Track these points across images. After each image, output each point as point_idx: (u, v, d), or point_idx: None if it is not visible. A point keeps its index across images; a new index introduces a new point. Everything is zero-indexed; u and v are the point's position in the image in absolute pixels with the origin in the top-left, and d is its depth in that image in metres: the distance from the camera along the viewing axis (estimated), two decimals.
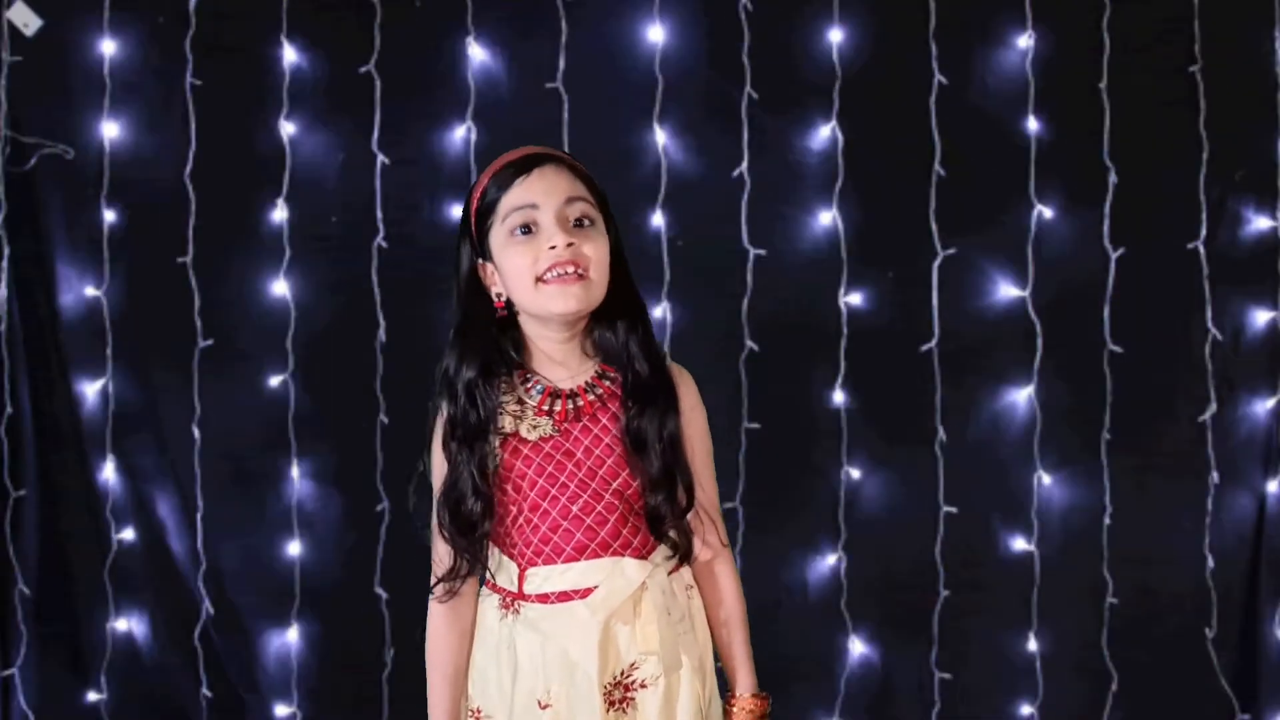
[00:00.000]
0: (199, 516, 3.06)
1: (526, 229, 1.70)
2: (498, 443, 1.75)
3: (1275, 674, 2.98)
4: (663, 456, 1.74)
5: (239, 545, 3.08)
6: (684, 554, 1.78)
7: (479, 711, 1.80)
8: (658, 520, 1.75)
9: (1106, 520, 2.99)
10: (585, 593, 1.72)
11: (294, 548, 3.06)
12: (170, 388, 3.06)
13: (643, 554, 1.75)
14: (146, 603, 3.10)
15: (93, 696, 3.10)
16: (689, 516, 1.78)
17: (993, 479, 3.02)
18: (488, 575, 1.81)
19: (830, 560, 3.03)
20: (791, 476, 3.03)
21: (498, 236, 1.73)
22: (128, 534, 3.09)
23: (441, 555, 1.80)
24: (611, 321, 1.77)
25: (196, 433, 3.05)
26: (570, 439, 1.74)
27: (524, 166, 1.71)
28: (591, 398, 1.76)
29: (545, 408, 1.75)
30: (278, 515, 3.06)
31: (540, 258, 1.69)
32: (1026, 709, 3.02)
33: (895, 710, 3.06)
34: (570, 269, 1.68)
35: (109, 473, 3.08)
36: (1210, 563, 2.98)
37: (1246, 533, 3.00)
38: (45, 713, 3.09)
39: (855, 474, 3.02)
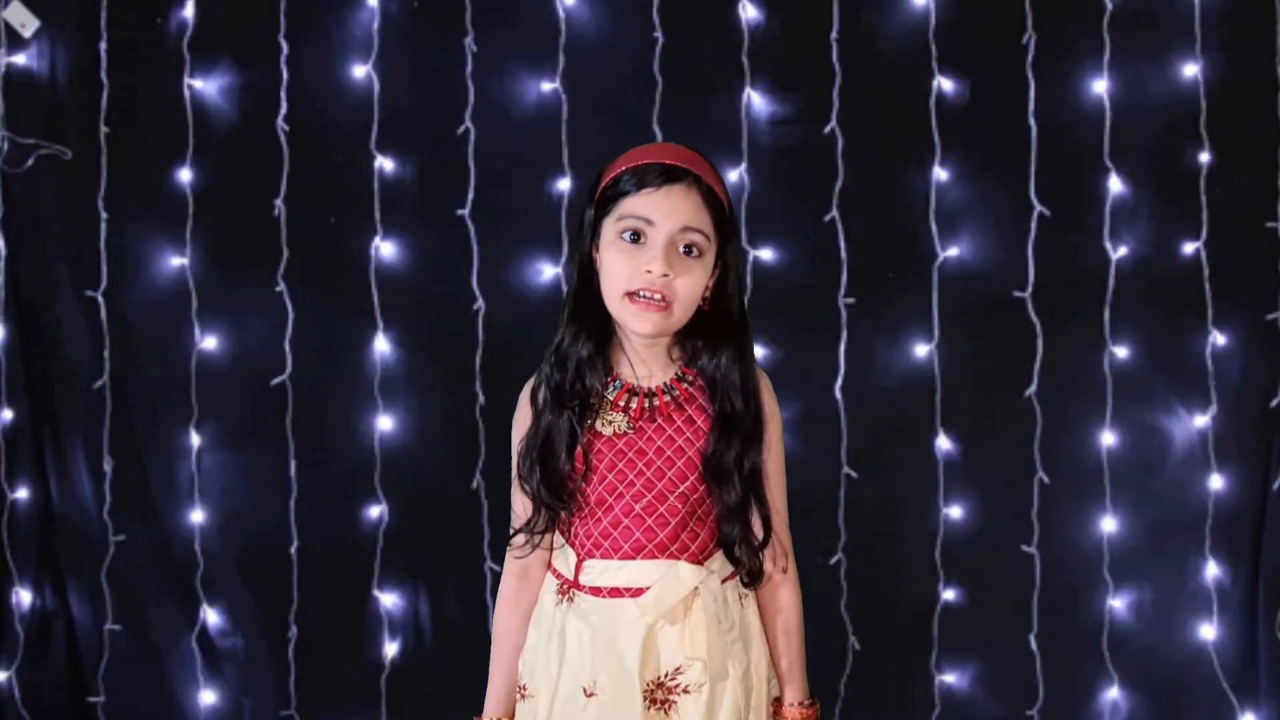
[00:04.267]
0: (199, 516, 3.06)
1: (636, 237, 1.71)
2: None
3: (1275, 674, 2.98)
4: (742, 488, 1.77)
5: (239, 545, 3.08)
6: (752, 581, 1.81)
7: (525, 689, 1.82)
8: (729, 547, 1.78)
9: (1106, 520, 2.99)
10: (637, 592, 1.74)
11: (294, 548, 3.06)
12: (170, 388, 3.06)
13: (699, 559, 1.77)
14: (147, 602, 3.10)
15: (92, 697, 3.10)
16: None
17: (993, 479, 3.02)
18: (549, 559, 1.83)
19: (830, 560, 3.03)
20: (792, 477, 3.01)
21: (609, 230, 1.74)
22: (127, 534, 3.09)
23: (518, 511, 1.82)
24: (715, 348, 1.78)
25: (196, 433, 3.05)
26: (643, 437, 1.76)
27: (661, 176, 1.71)
28: (668, 399, 1.78)
29: (622, 404, 1.77)
30: (278, 515, 3.06)
31: (636, 274, 1.70)
32: (1026, 709, 3.02)
33: (895, 710, 3.06)
34: (657, 296, 1.70)
35: (108, 472, 3.08)
36: (1210, 563, 2.98)
37: (1246, 533, 3.00)
38: (44, 713, 3.09)
39: (856, 475, 3.02)
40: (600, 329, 1.78)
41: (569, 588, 1.79)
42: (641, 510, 1.75)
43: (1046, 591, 3.00)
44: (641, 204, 1.71)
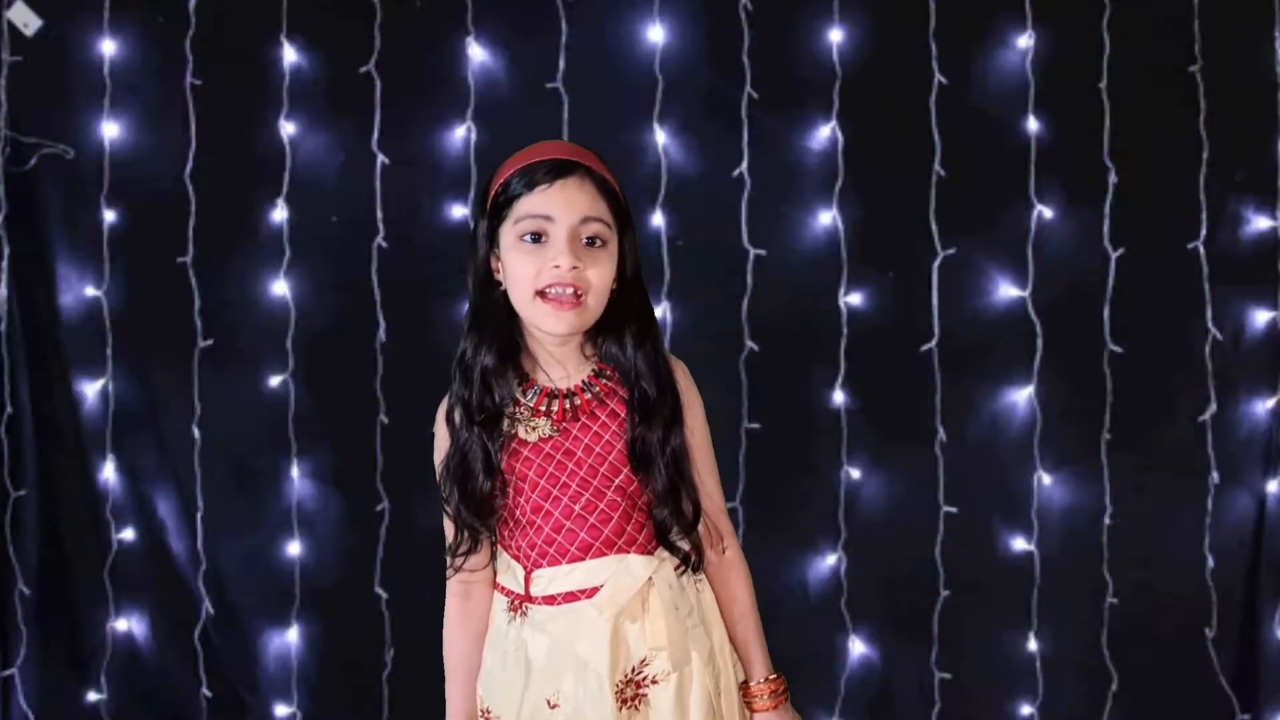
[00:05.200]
0: (199, 516, 3.06)
1: (537, 237, 1.69)
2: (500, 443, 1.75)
3: (1275, 674, 2.97)
4: (667, 471, 1.74)
5: (239, 545, 3.09)
6: (693, 566, 1.78)
7: (488, 712, 1.79)
8: (664, 532, 1.76)
9: (1106, 520, 2.99)
10: (591, 592, 1.72)
11: (294, 548, 3.06)
12: (170, 388, 3.06)
13: (648, 550, 1.75)
14: (146, 603, 3.11)
15: (93, 696, 3.10)
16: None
17: (993, 479, 3.02)
18: (496, 577, 1.81)
19: (830, 560, 3.03)
20: (791, 476, 3.04)
21: (508, 234, 1.72)
22: (128, 534, 3.09)
23: (449, 534, 1.80)
24: (620, 336, 1.76)
25: (196, 433, 3.05)
26: (570, 438, 1.74)
27: (552, 173, 1.70)
28: (589, 395, 1.76)
29: (543, 408, 1.75)
30: (278, 515, 3.07)
31: (543, 271, 1.68)
32: (1026, 709, 3.02)
33: (895, 710, 3.06)
34: (569, 290, 1.69)
35: (109, 473, 3.08)
36: (1210, 563, 2.98)
37: (1246, 533, 3.00)
38: (45, 712, 3.09)
39: (855, 474, 3.02)
40: (505, 338, 1.76)
41: (521, 602, 1.76)
42: (581, 510, 1.73)
43: (1046, 591, 3.00)
44: (537, 202, 1.69)
